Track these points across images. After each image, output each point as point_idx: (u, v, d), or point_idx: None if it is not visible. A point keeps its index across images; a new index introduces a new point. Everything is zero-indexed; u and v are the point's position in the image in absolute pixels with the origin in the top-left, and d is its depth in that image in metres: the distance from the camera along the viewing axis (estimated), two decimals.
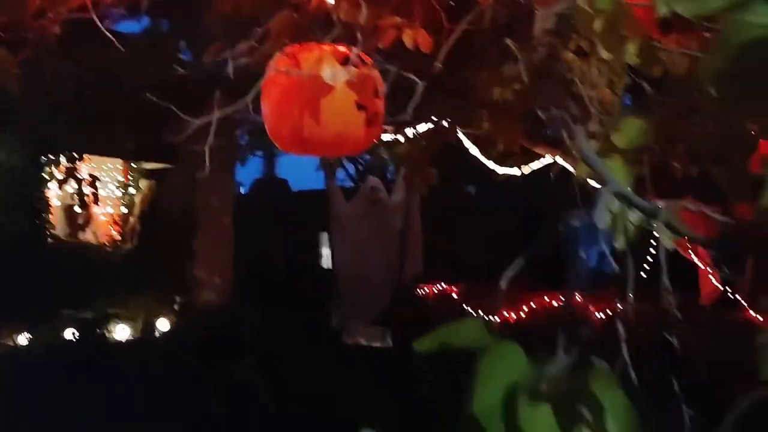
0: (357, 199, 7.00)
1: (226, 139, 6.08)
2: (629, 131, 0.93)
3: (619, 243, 0.99)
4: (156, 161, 7.79)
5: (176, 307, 7.66)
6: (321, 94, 1.47)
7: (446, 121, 3.74)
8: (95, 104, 6.12)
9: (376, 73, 1.56)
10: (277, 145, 1.63)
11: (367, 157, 7.72)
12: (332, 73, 1.45)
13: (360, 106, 1.51)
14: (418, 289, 6.61)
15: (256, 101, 1.53)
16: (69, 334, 6.52)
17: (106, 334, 6.91)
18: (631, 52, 1.37)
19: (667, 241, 0.92)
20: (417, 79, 1.43)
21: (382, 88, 1.59)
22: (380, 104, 1.59)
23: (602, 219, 0.76)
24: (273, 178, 11.79)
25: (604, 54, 1.59)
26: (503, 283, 0.70)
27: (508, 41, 1.45)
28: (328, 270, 8.23)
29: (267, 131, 1.59)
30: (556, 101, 1.54)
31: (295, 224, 9.75)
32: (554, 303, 6.83)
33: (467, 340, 0.59)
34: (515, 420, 0.54)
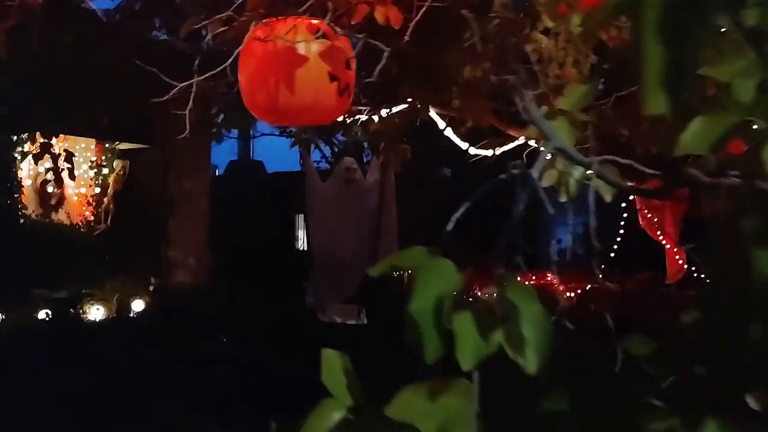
0: (332, 179, 7.07)
1: (201, 117, 6.07)
2: (574, 95, 1.02)
3: (563, 197, 1.09)
4: (130, 141, 7.75)
5: (151, 288, 7.67)
6: (295, 65, 1.53)
7: (419, 100, 3.82)
8: (69, 82, 6.07)
9: (347, 46, 1.63)
10: (253, 114, 1.69)
11: (343, 138, 7.76)
12: (306, 44, 1.52)
13: (332, 77, 1.57)
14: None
15: (234, 69, 1.59)
16: (42, 314, 6.50)
17: (80, 315, 6.90)
18: (575, 23, 1.45)
19: (606, 193, 1.01)
20: (383, 46, 1.50)
21: (354, 60, 1.66)
22: (351, 75, 1.66)
23: (538, 171, 0.85)
24: (249, 160, 11.77)
25: (574, 29, 1.67)
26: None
27: (464, 12, 1.53)
28: (304, 252, 8.29)
29: (243, 100, 1.65)
30: (513, 72, 1.62)
31: (271, 206, 9.77)
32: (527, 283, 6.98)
33: (411, 261, 0.68)
34: (444, 321, 0.63)
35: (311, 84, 1.56)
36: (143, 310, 7.32)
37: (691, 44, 0.48)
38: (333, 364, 0.79)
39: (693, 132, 0.77)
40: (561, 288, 6.82)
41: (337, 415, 0.74)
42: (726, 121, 0.74)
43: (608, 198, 1.01)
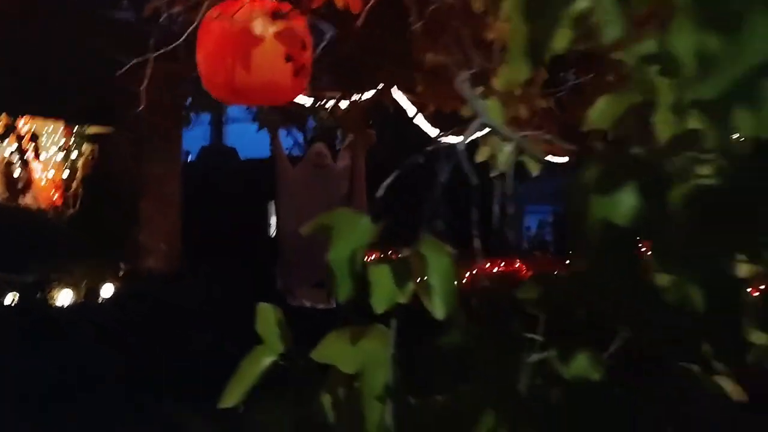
0: (302, 165, 7.11)
1: (168, 101, 6.05)
2: (506, 75, 1.09)
3: (496, 172, 1.17)
4: (99, 124, 7.68)
5: (121, 273, 7.64)
6: (251, 45, 1.58)
7: (385, 85, 3.88)
8: (33, 62, 6.00)
9: (303, 28, 1.68)
10: (210, 93, 1.74)
11: (314, 124, 7.79)
12: (262, 25, 1.57)
13: (288, 57, 1.63)
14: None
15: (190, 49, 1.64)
16: (9, 298, 6.45)
17: (48, 299, 6.86)
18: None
19: (533, 167, 1.09)
20: (329, 24, 1.56)
21: (310, 41, 1.72)
22: (307, 56, 1.71)
23: (464, 144, 0.93)
24: (221, 146, 11.72)
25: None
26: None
27: None
28: (275, 238, 8.32)
29: (201, 80, 1.70)
30: (454, 52, 1.69)
31: (244, 192, 9.77)
32: (495, 269, 7.13)
33: (332, 219, 0.75)
34: (358, 270, 0.71)
35: (267, 64, 1.61)
36: (112, 295, 7.29)
37: (547, 24, 0.55)
38: (267, 316, 0.86)
39: (598, 108, 0.86)
40: (526, 273, 6.97)
41: (267, 360, 0.81)
42: (627, 100, 0.83)
43: (535, 171, 1.08)
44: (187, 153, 10.70)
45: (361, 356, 0.77)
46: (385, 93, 4.02)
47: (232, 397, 0.80)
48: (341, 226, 0.73)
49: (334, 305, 7.30)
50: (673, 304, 0.54)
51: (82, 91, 6.34)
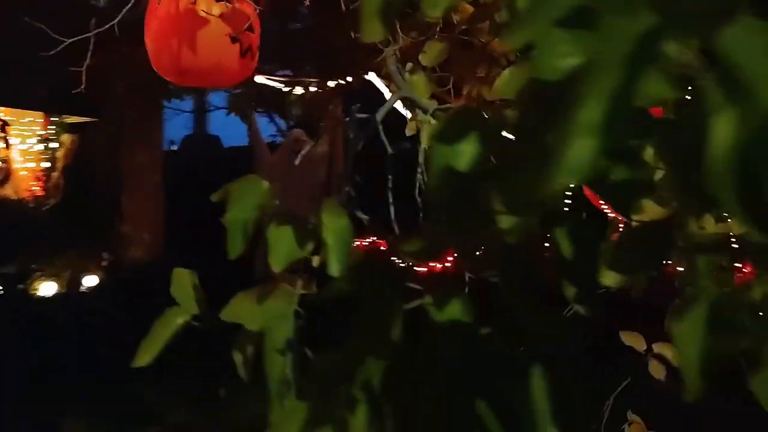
0: (281, 151, 7.12)
1: (149, 87, 6.05)
2: (431, 52, 1.12)
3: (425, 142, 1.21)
4: (77, 114, 7.66)
5: (104, 263, 7.64)
6: (196, 27, 1.61)
7: (361, 70, 3.90)
8: (10, 53, 5.97)
9: (250, 9, 1.71)
10: (159, 74, 1.76)
11: (295, 111, 7.78)
12: (207, 6, 1.59)
13: (234, 39, 1.66)
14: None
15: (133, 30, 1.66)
16: None
17: (30, 290, 6.87)
18: None
19: None
20: (254, 4, 1.58)
21: (257, 23, 1.74)
22: (254, 38, 1.74)
23: (381, 116, 0.97)
24: (204, 135, 11.69)
25: None
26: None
27: None
28: None
29: (151, 61, 1.72)
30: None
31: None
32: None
33: (234, 185, 0.79)
34: (249, 228, 0.74)
35: (212, 46, 1.63)
36: (96, 286, 7.30)
37: None
38: (182, 280, 0.89)
39: (503, 80, 0.90)
40: None
41: (180, 320, 0.85)
42: (526, 72, 0.87)
43: None
44: (172, 142, 10.68)
45: (266, 314, 0.81)
46: (357, 77, 4.05)
47: (144, 356, 0.84)
48: (240, 191, 0.77)
49: (314, 291, 7.31)
50: (516, 246, 0.58)
51: (57, 80, 6.30)
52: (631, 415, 1.79)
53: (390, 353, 0.67)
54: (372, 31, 0.60)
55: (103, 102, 7.05)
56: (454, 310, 0.67)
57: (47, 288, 6.99)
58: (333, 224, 0.76)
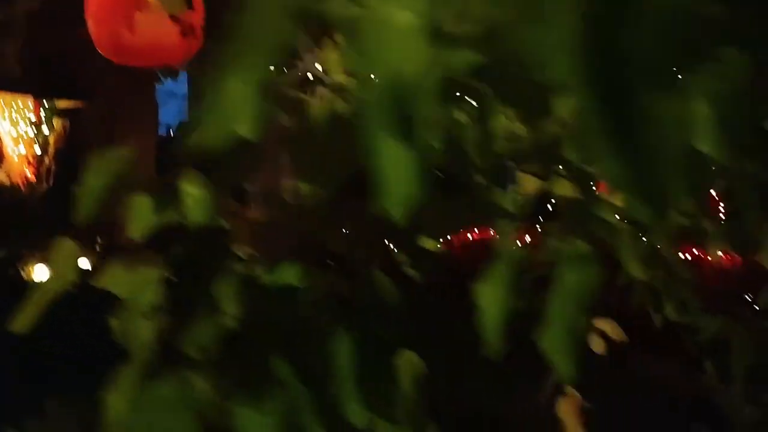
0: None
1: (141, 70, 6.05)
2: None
3: None
4: (68, 99, 7.67)
5: (97, 247, 7.70)
6: (135, 6, 1.62)
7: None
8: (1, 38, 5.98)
9: None
10: (101, 53, 1.78)
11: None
12: None
13: (174, 18, 1.67)
14: None
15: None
16: None
17: (22, 275, 6.93)
18: None
19: None
20: None
21: (201, 2, 1.75)
22: (197, 17, 1.75)
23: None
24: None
25: None
26: None
27: None
28: None
29: (93, 41, 1.74)
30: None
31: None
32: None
33: (99, 154, 0.82)
34: (101, 196, 0.77)
35: (152, 25, 1.65)
36: (89, 270, 7.36)
37: None
38: (64, 249, 0.92)
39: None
40: None
41: (57, 287, 0.88)
42: None
43: None
44: (168, 127, 10.68)
45: (135, 279, 0.84)
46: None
47: (21, 322, 0.86)
48: (98, 159, 0.80)
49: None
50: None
51: (48, 64, 6.33)
52: (567, 388, 1.82)
53: (226, 318, 0.69)
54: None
55: (92, 85, 7.06)
56: (287, 274, 0.69)
57: (40, 272, 7.05)
58: (192, 192, 0.79)
